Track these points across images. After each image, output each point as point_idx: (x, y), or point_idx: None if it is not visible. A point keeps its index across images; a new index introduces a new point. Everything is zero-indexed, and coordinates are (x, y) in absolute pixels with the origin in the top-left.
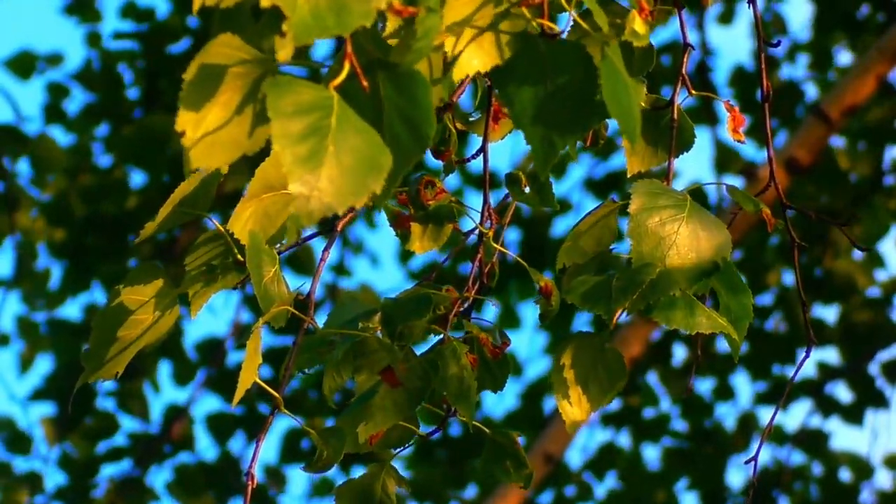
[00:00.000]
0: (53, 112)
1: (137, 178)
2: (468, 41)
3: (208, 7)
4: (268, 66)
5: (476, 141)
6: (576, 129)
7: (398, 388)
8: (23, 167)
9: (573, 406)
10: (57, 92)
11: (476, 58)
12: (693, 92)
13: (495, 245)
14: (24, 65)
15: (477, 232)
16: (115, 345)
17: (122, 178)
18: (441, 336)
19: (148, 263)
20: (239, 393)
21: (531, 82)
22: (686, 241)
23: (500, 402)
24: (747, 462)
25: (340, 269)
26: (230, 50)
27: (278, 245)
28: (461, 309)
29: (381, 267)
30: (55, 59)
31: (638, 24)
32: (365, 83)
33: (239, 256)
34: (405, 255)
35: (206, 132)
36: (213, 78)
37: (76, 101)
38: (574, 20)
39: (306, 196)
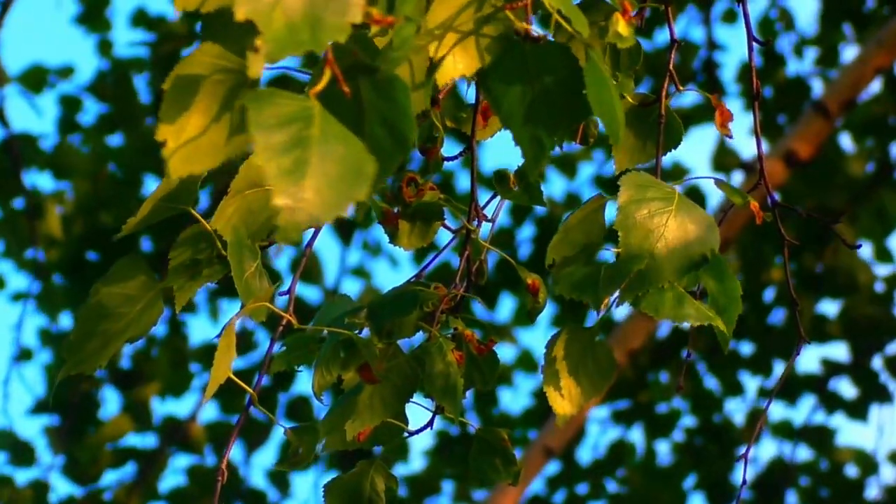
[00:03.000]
0: (68, 125)
1: (152, 185)
2: (452, 45)
3: (192, 12)
4: (245, 75)
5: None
6: (565, 129)
7: (376, 384)
8: (45, 180)
9: (564, 399)
10: (70, 104)
11: (460, 62)
12: (680, 88)
13: (484, 243)
14: (35, 79)
15: (465, 230)
16: (98, 338)
17: (133, 188)
18: (427, 333)
19: (130, 258)
20: (211, 388)
21: (517, 84)
22: (674, 234)
23: (515, 401)
24: (738, 459)
25: (360, 272)
26: (210, 58)
27: (260, 241)
28: (449, 306)
29: (401, 268)
30: (66, 72)
31: (621, 26)
32: (346, 89)
33: (222, 251)
34: (419, 257)
35: (187, 140)
36: (193, 87)
37: (90, 112)
38: (557, 22)
39: (292, 208)
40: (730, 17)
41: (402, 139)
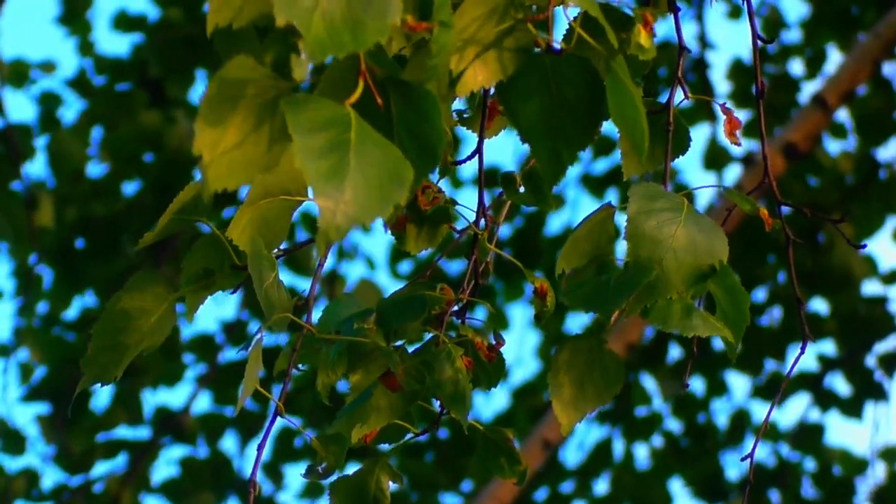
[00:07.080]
0: (48, 121)
1: (130, 188)
2: (472, 57)
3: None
4: (281, 86)
5: (468, 137)
6: (583, 141)
7: (398, 391)
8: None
9: (568, 407)
10: (50, 101)
11: (481, 74)
12: (690, 96)
13: (490, 245)
14: (17, 73)
15: (471, 232)
16: (114, 350)
17: (115, 183)
18: (433, 335)
19: (147, 270)
20: (241, 402)
21: (536, 96)
22: (683, 244)
23: (489, 404)
24: (743, 459)
25: (334, 276)
26: (245, 72)
27: (276, 250)
28: (455, 309)
29: (377, 270)
30: (48, 67)
31: (643, 37)
32: (380, 100)
33: (236, 261)
34: (396, 257)
35: (223, 153)
36: (229, 100)
37: (72, 108)
38: (578, 35)
39: (332, 210)
40: (734, 14)
41: (432, 152)
